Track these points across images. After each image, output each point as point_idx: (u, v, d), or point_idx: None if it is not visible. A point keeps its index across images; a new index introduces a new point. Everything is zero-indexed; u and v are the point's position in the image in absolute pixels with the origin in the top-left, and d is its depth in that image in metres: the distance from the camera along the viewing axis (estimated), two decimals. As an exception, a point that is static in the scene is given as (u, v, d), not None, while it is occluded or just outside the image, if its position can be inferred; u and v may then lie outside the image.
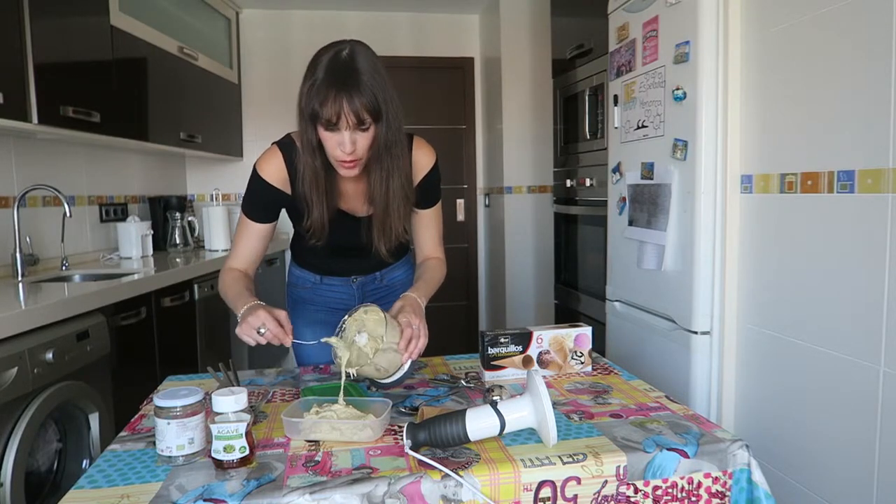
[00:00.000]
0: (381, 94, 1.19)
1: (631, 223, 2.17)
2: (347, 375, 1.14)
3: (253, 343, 1.19)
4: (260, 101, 4.07)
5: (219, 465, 0.94)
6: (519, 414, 1.00)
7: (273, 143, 1.38)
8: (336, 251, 1.51)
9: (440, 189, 1.48)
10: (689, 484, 0.98)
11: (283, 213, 1.44)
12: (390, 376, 1.20)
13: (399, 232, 1.38)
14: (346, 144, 1.20)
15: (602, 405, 1.18)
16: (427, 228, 1.49)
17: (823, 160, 1.56)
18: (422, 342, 1.19)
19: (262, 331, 1.17)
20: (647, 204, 2.06)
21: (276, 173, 1.36)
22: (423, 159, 1.41)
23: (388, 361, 1.16)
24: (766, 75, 1.74)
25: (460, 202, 4.43)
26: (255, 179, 1.37)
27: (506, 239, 3.92)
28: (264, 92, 4.06)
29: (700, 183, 1.83)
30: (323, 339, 1.17)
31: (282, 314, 1.22)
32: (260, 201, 1.39)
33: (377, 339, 1.14)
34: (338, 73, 1.17)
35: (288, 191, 1.37)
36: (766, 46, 1.74)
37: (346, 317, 1.19)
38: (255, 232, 1.42)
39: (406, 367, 1.20)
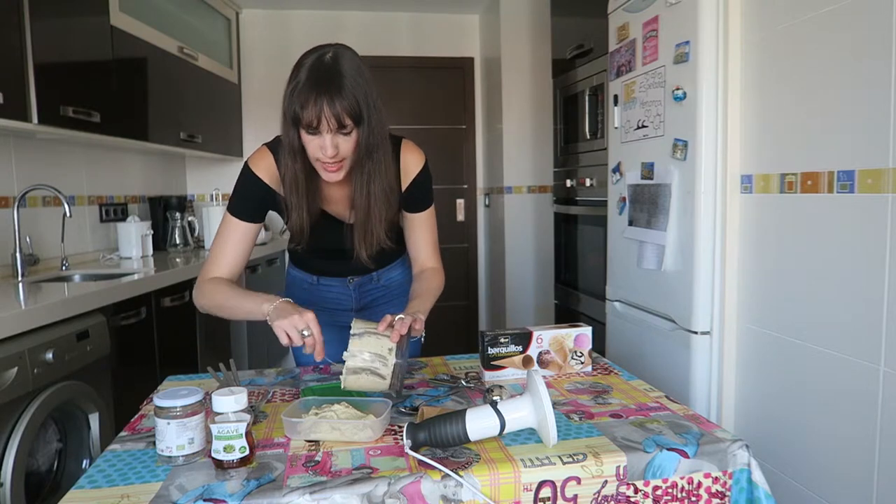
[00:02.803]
0: (363, 98, 1.18)
1: (631, 223, 2.17)
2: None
3: (285, 342, 1.15)
4: (260, 101, 4.07)
5: (219, 465, 0.94)
6: (519, 414, 1.00)
7: (263, 144, 1.38)
8: (328, 254, 1.51)
9: (432, 192, 1.46)
10: (689, 484, 0.98)
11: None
12: (388, 371, 1.14)
13: (381, 238, 1.35)
14: (327, 148, 1.19)
15: (602, 405, 1.18)
16: (420, 233, 1.47)
17: (823, 160, 1.56)
18: (407, 320, 1.16)
19: (307, 333, 1.15)
20: (647, 204, 2.06)
21: (267, 169, 1.35)
22: (411, 163, 1.40)
23: (375, 346, 1.13)
24: (766, 75, 1.74)
25: (460, 202, 4.43)
26: (247, 174, 1.36)
27: (506, 239, 3.92)
28: (264, 92, 4.06)
29: (700, 183, 1.83)
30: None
31: (316, 329, 1.17)
32: (250, 197, 1.37)
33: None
34: (319, 76, 1.16)
35: (278, 189, 1.37)
36: (766, 46, 1.74)
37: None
38: (241, 233, 1.36)
39: (394, 351, 1.14)
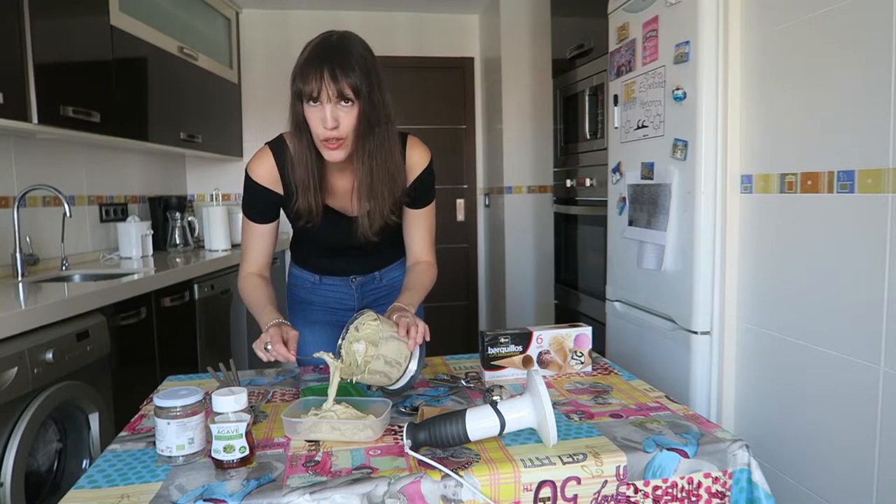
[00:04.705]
0: (364, 71, 1.21)
1: (631, 223, 2.17)
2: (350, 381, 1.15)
3: (264, 358, 1.23)
4: (260, 101, 4.07)
5: (219, 465, 0.94)
6: (519, 414, 1.00)
7: (265, 144, 1.39)
8: (332, 251, 1.52)
9: (434, 189, 1.48)
10: (689, 484, 0.98)
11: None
12: (401, 377, 1.18)
13: (385, 213, 1.36)
14: (327, 119, 1.20)
15: (602, 405, 1.18)
16: (418, 228, 1.48)
17: (823, 160, 1.56)
18: (422, 326, 1.19)
19: (269, 347, 1.21)
20: (647, 204, 2.06)
21: (266, 174, 1.37)
22: (417, 159, 1.41)
23: (394, 351, 1.14)
24: (766, 75, 1.74)
25: (460, 202, 4.43)
26: (248, 182, 1.40)
27: (506, 239, 3.92)
28: (264, 92, 4.06)
29: (700, 183, 1.83)
30: (317, 354, 1.16)
31: (291, 334, 1.25)
32: (256, 203, 1.41)
33: (375, 339, 1.14)
34: (323, 50, 1.21)
35: (280, 190, 1.38)
36: (766, 46, 1.74)
37: (339, 341, 1.19)
38: (260, 233, 1.44)
39: (416, 357, 1.18)
